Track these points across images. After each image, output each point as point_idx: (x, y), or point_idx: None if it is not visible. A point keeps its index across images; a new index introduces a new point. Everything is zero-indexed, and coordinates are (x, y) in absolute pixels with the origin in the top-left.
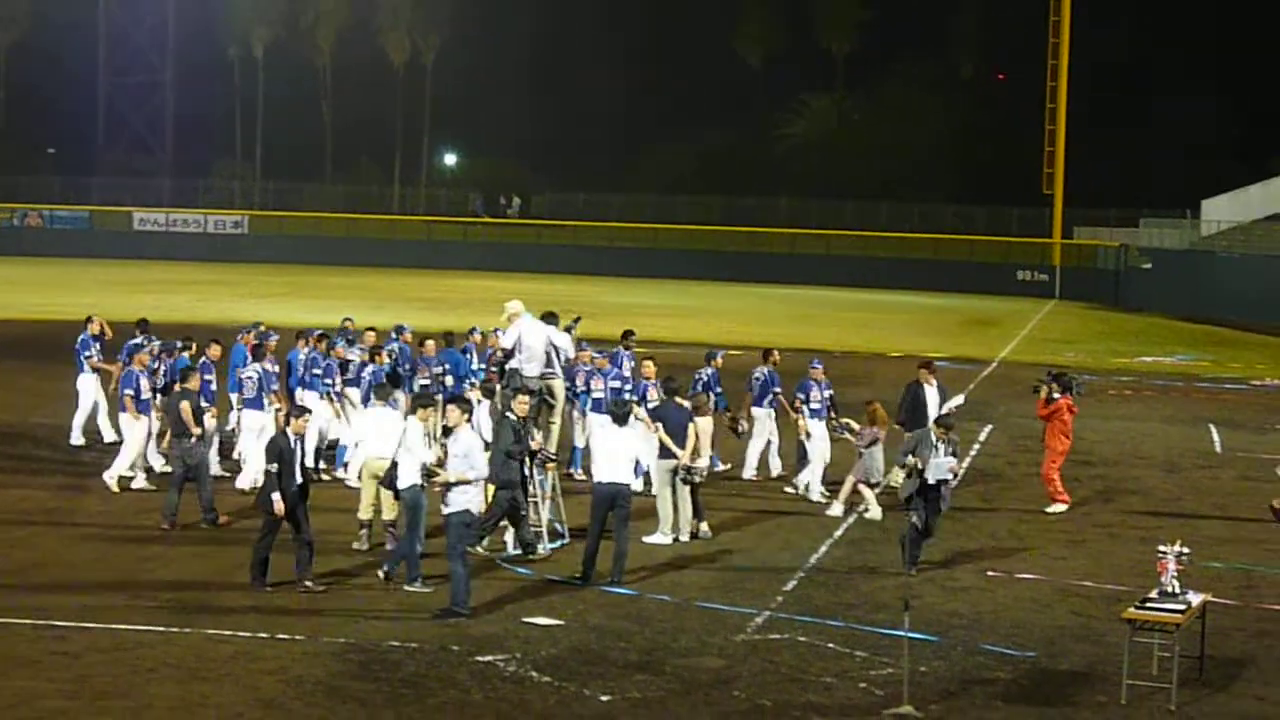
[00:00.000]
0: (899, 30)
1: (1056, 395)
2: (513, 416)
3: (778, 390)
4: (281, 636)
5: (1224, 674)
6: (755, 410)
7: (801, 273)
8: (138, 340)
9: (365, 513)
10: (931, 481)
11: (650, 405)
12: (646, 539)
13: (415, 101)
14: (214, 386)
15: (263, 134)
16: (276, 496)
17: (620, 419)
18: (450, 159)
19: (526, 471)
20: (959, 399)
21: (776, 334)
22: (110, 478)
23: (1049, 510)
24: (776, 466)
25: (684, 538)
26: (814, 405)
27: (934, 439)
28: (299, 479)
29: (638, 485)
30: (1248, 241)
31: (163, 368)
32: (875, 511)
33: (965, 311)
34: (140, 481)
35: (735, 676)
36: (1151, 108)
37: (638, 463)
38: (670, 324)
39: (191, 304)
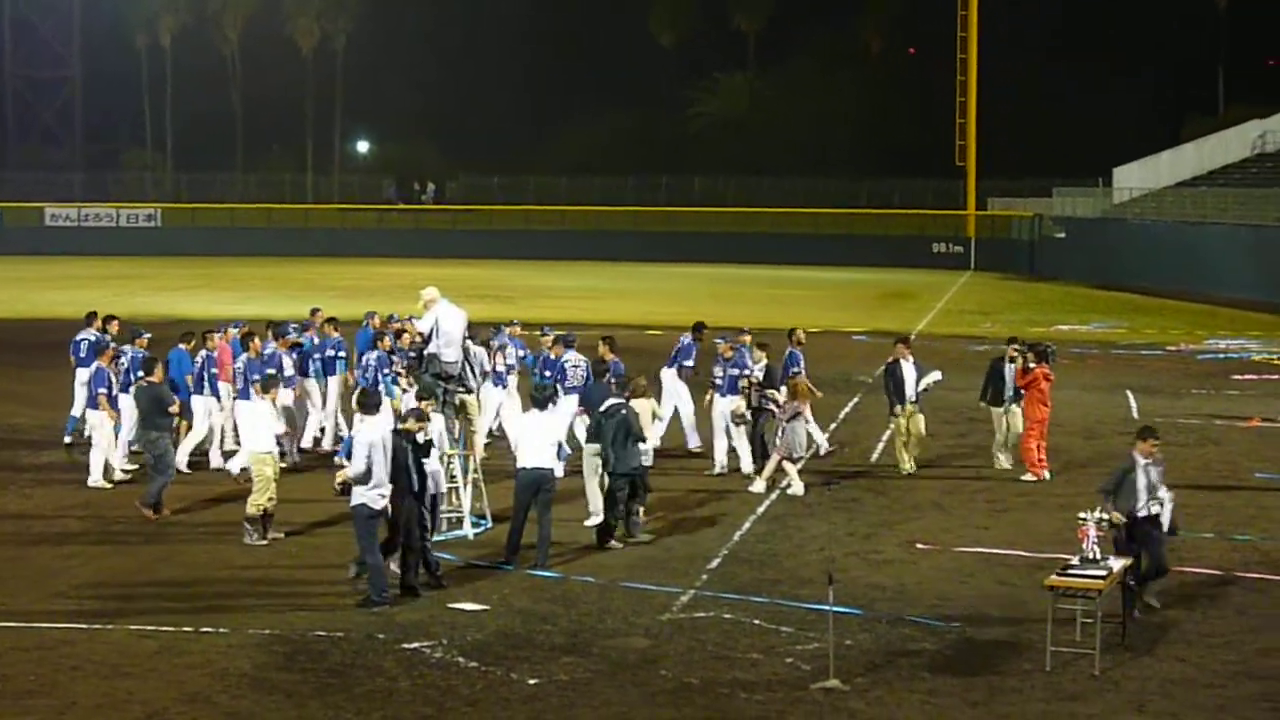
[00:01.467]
0: (810, 7)
1: (1033, 365)
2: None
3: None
4: (206, 630)
5: (1146, 638)
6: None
7: (718, 251)
8: (92, 336)
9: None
10: (1142, 514)
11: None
12: (588, 523)
13: (326, 88)
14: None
15: (173, 124)
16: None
17: (541, 404)
18: (363, 146)
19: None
20: (936, 374)
21: (696, 313)
22: (95, 482)
23: (1024, 478)
24: (695, 442)
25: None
26: (717, 381)
27: (1141, 461)
28: (416, 483)
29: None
30: (1159, 208)
31: (125, 361)
32: (798, 487)
33: (882, 285)
34: (96, 479)
35: (662, 656)
36: (1063, 78)
37: (561, 446)
38: (589, 306)
39: (106, 299)
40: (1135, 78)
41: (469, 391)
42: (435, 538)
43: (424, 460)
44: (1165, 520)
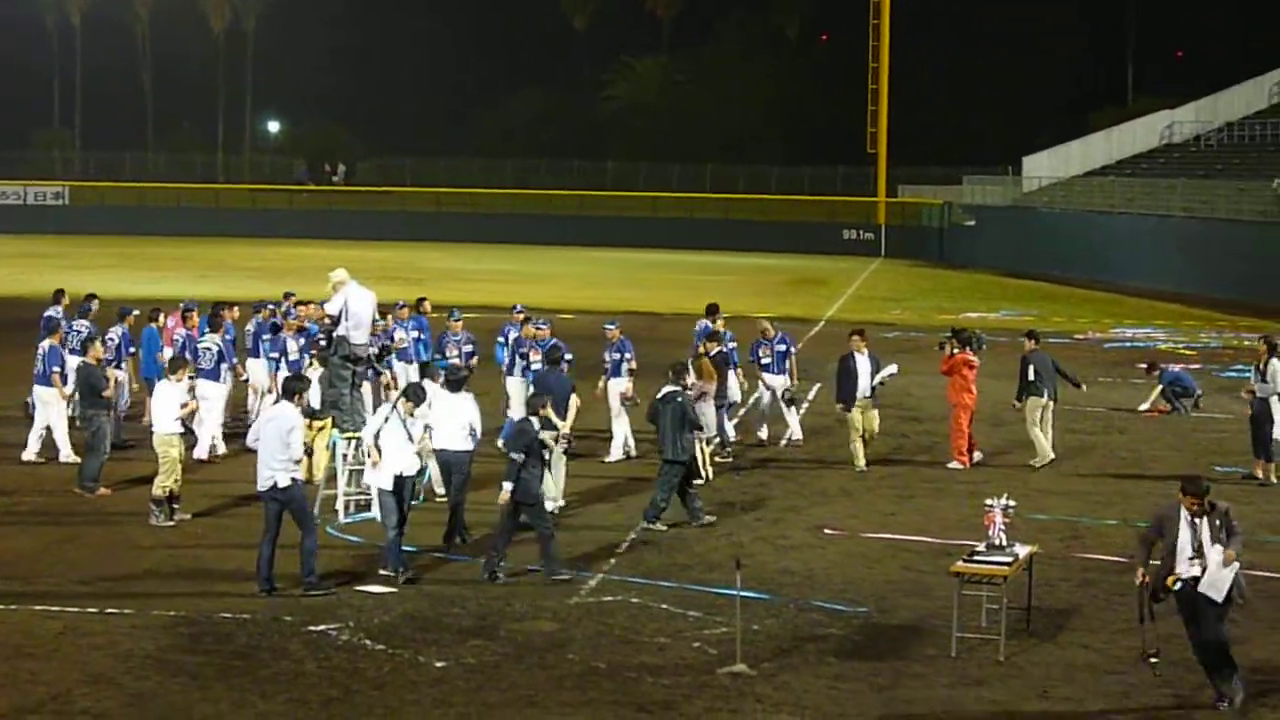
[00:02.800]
0: None
1: (954, 351)
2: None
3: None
4: (110, 611)
5: (1051, 624)
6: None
7: (629, 235)
8: (52, 314)
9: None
10: (1204, 589)
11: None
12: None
13: (237, 68)
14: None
15: (82, 102)
16: (509, 485)
17: (454, 385)
18: (274, 126)
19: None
20: (892, 368)
21: (607, 297)
22: (66, 457)
23: (949, 465)
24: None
25: (561, 504)
26: (606, 365)
27: (1184, 515)
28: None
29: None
30: (1068, 197)
31: (116, 338)
32: (704, 471)
33: (792, 271)
34: (32, 453)
35: (569, 640)
36: (974, 66)
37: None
38: (501, 289)
39: (13, 276)
40: (1046, 68)
41: (379, 375)
42: (342, 519)
43: None
44: (1208, 585)
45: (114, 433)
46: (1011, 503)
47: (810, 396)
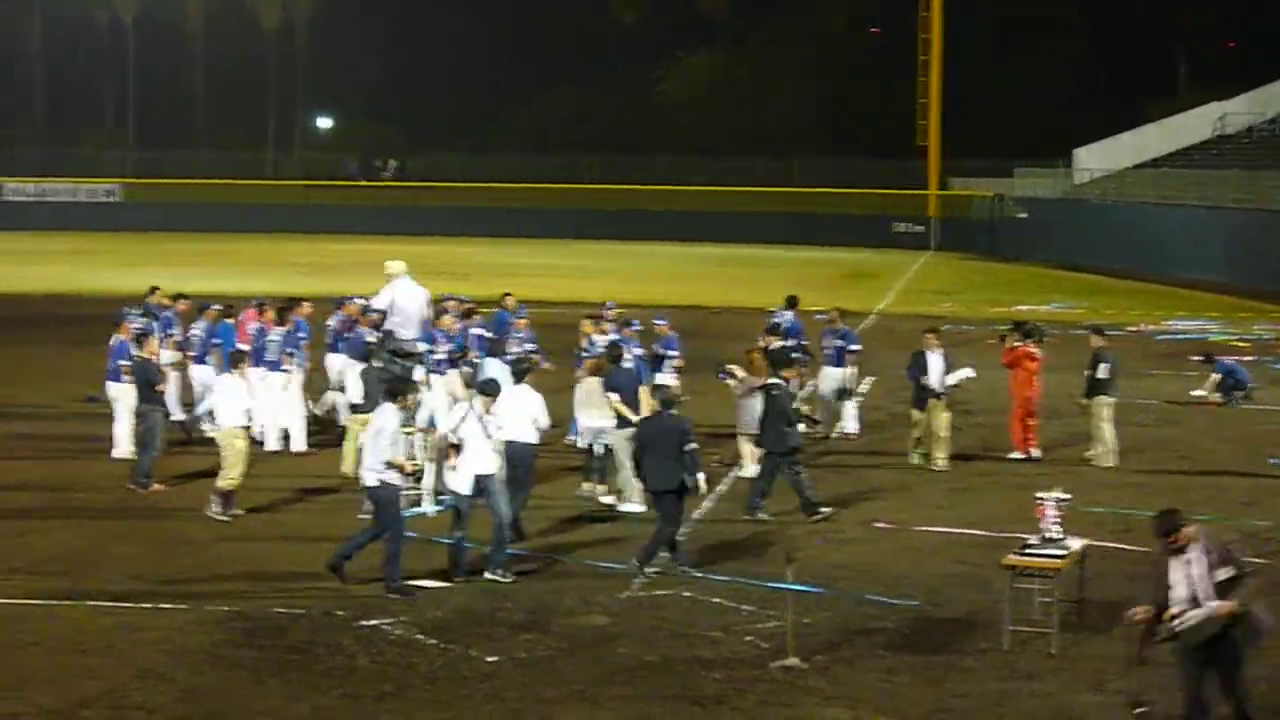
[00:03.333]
0: None
1: (1017, 343)
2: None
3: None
4: (164, 606)
5: (1104, 617)
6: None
7: (680, 230)
8: (129, 311)
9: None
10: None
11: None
12: (622, 507)
13: (288, 65)
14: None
15: (134, 100)
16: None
17: (520, 376)
18: (324, 122)
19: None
20: (967, 371)
21: (656, 291)
22: (121, 452)
23: (1010, 456)
24: None
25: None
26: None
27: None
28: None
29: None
30: (1120, 189)
31: (200, 333)
32: (751, 468)
33: (843, 264)
34: (124, 450)
35: (621, 633)
36: (1025, 59)
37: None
38: (552, 284)
39: (66, 273)
40: (1097, 59)
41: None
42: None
43: None
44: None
45: (192, 426)
46: (1064, 496)
47: (863, 389)
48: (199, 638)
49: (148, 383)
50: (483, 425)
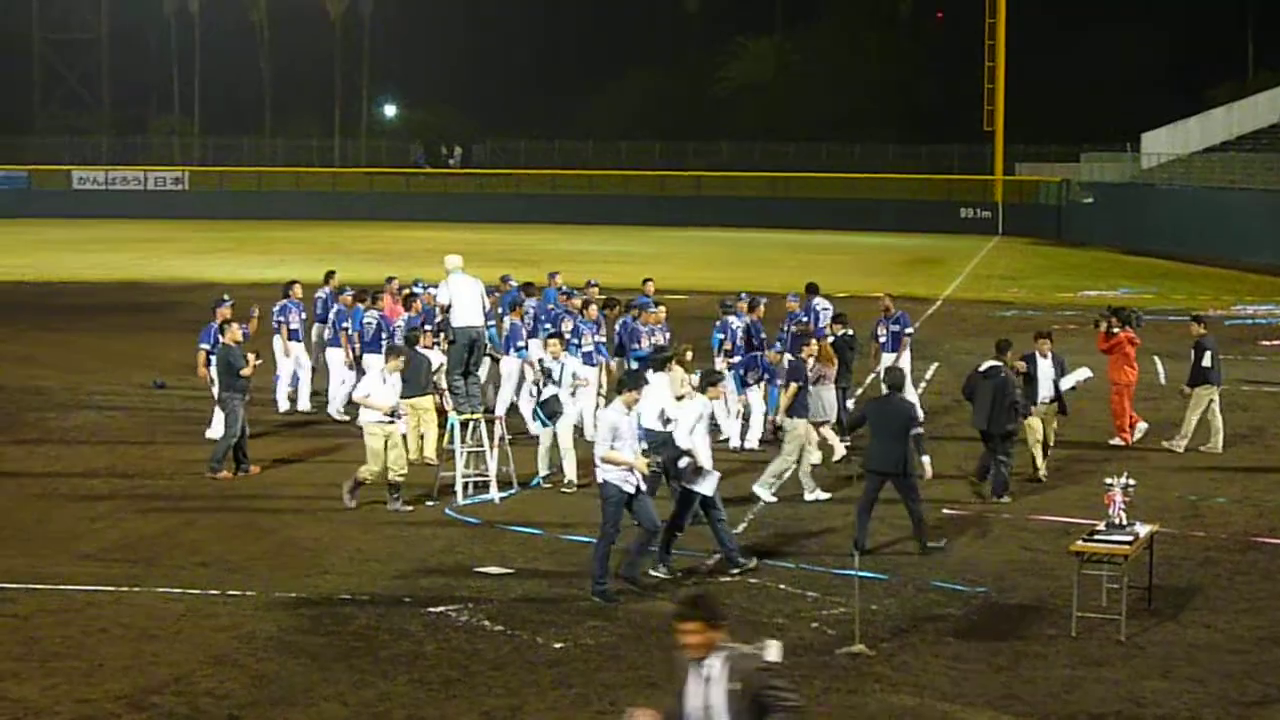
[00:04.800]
0: None
1: (1116, 330)
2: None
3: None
4: (233, 593)
5: (1172, 603)
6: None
7: (745, 216)
8: (323, 294)
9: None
10: None
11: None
12: (808, 496)
13: (353, 54)
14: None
15: (200, 89)
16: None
17: (659, 366)
18: (390, 110)
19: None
20: (1083, 373)
21: (723, 277)
22: (213, 434)
23: (1111, 442)
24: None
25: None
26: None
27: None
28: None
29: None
30: (1187, 174)
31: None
32: (815, 455)
33: (909, 250)
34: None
35: None
36: (1091, 43)
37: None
38: (618, 270)
39: (134, 261)
40: (1163, 42)
41: (495, 360)
42: (461, 501)
43: None
44: None
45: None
46: (1131, 481)
47: (928, 375)
48: (266, 624)
49: (230, 369)
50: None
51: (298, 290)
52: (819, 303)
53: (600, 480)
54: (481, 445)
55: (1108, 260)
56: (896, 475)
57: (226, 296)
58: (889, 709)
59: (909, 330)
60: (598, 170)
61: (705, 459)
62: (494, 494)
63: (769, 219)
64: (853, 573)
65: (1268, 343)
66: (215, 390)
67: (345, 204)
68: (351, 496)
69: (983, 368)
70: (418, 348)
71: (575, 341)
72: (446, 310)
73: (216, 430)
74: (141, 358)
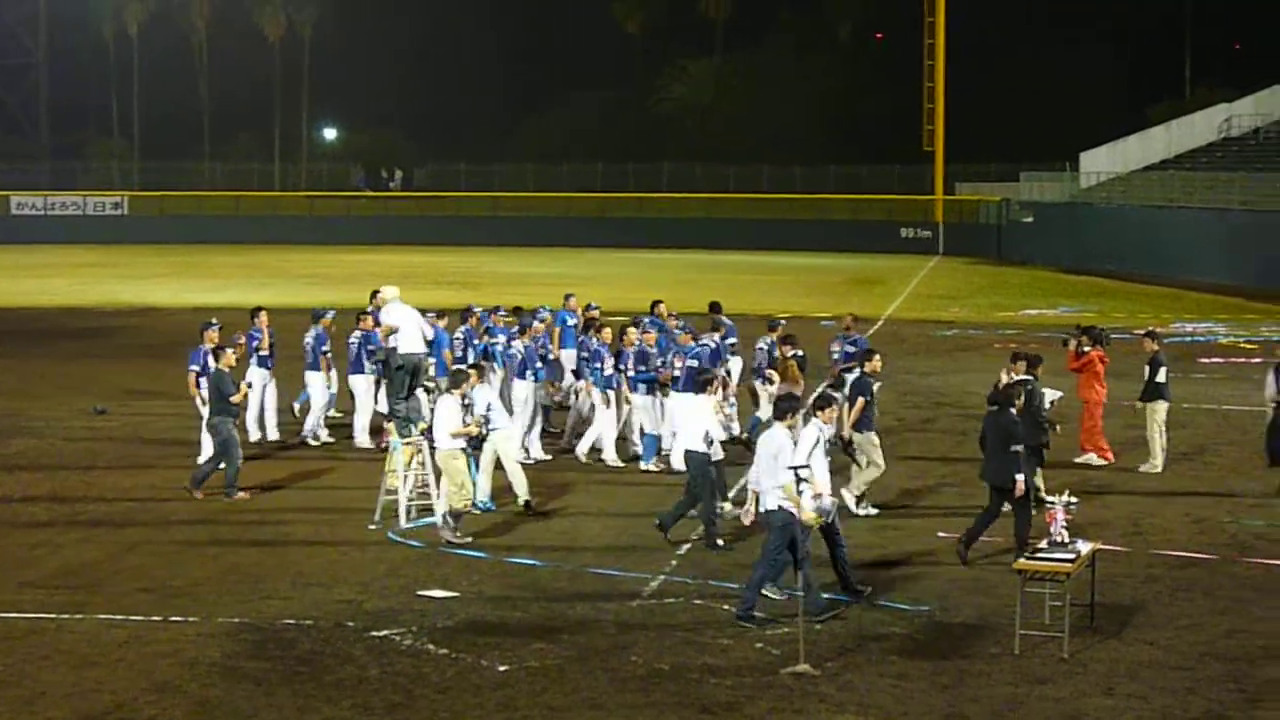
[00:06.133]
0: None
1: (1087, 348)
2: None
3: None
4: (175, 619)
5: (1114, 620)
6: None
7: (686, 237)
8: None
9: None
10: None
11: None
12: (859, 511)
13: (293, 77)
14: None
15: (140, 113)
16: (1020, 477)
17: (700, 387)
18: (330, 133)
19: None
20: (1054, 393)
21: (663, 298)
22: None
23: (1089, 462)
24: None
25: None
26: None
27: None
28: None
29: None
30: (1126, 192)
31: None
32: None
33: (850, 270)
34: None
35: (632, 642)
36: (1031, 63)
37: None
38: (558, 292)
39: (72, 286)
40: (1103, 63)
41: (427, 390)
42: (404, 525)
43: None
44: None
45: (312, 431)
46: (1073, 500)
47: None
48: (210, 650)
49: (221, 394)
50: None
51: (263, 317)
52: (724, 321)
53: (772, 506)
54: (426, 467)
55: (1047, 279)
56: (1004, 490)
57: (214, 320)
58: None
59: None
60: (538, 193)
61: (824, 485)
62: (438, 517)
63: (710, 240)
64: (797, 592)
65: (1207, 360)
66: (205, 412)
67: (286, 228)
68: (454, 532)
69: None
70: None
71: (598, 365)
72: (393, 332)
73: (208, 453)
74: (82, 383)
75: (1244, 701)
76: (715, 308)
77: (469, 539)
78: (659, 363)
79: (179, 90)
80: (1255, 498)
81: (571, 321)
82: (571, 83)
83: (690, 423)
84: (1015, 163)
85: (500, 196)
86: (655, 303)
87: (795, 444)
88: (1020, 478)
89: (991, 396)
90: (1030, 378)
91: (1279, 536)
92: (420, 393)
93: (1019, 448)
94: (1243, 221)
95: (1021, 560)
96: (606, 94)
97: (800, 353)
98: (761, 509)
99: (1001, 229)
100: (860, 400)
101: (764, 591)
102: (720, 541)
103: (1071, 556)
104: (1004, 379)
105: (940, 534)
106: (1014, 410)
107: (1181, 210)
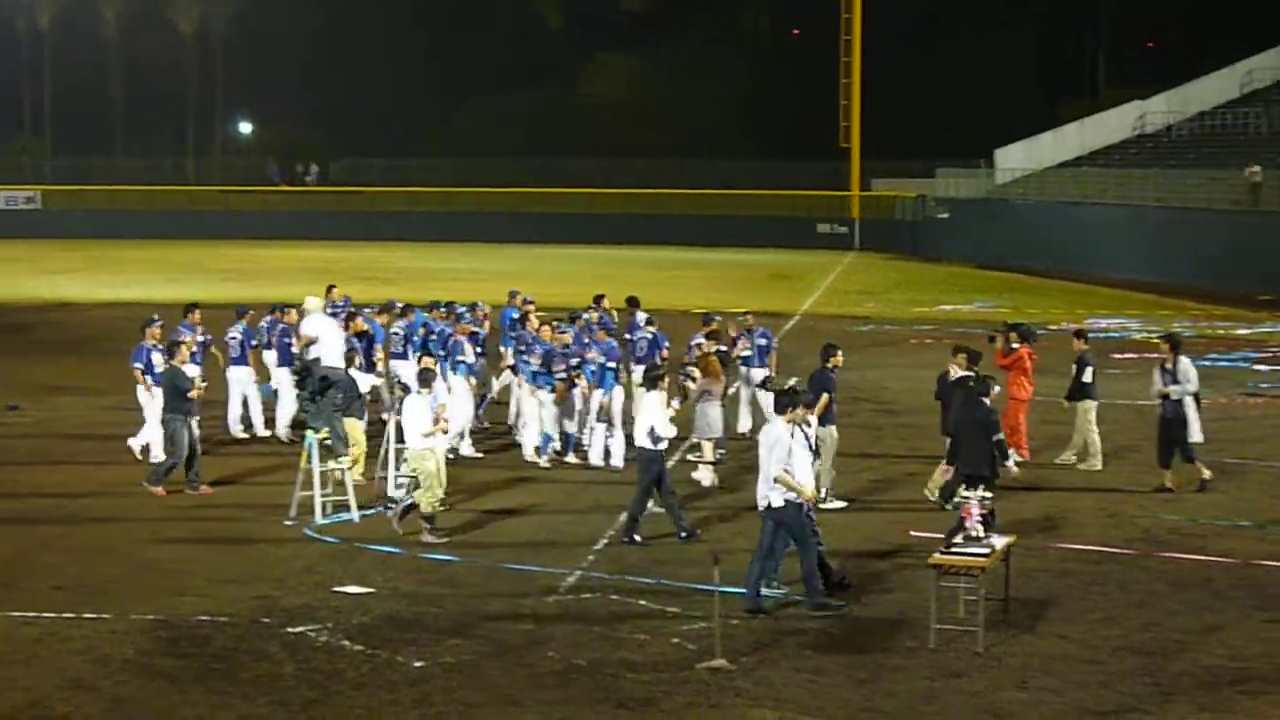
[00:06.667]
0: None
1: (1015, 345)
2: None
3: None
4: (89, 616)
5: (1029, 614)
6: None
7: (603, 232)
8: (152, 318)
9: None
10: None
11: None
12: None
13: (207, 71)
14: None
15: (52, 107)
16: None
17: (651, 383)
18: (245, 128)
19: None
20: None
21: (578, 293)
22: (135, 444)
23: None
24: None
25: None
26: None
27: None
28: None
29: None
30: (1041, 189)
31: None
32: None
33: (767, 266)
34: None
35: (548, 637)
36: (946, 60)
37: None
38: (474, 287)
39: None
40: (1018, 60)
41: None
42: (320, 521)
43: None
44: None
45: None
46: (988, 494)
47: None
48: (124, 647)
49: (176, 390)
50: (807, 437)
51: (196, 315)
52: (640, 317)
53: (779, 503)
54: (341, 466)
55: (962, 275)
56: (983, 479)
57: (156, 316)
58: None
59: (774, 344)
60: (455, 188)
61: (805, 479)
62: (354, 513)
63: (625, 235)
64: (713, 588)
65: (1120, 356)
66: (149, 408)
67: (201, 222)
68: (433, 534)
69: (952, 377)
70: (351, 370)
71: (527, 358)
72: (311, 343)
73: (141, 440)
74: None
75: (1157, 695)
76: (633, 302)
77: (447, 539)
78: (574, 361)
79: (92, 84)
80: (1168, 493)
81: (515, 316)
82: (490, 77)
83: (639, 419)
84: (931, 159)
85: (417, 191)
86: (599, 296)
87: (794, 436)
88: (1011, 463)
89: (939, 392)
90: (971, 372)
91: (1192, 531)
92: (341, 416)
93: (1001, 436)
94: (1156, 218)
95: (936, 555)
96: (525, 88)
97: (723, 348)
98: (771, 505)
99: (918, 225)
100: (824, 395)
101: (764, 590)
102: (638, 537)
103: (986, 551)
104: (952, 372)
105: (860, 528)
106: (987, 400)
107: (1096, 206)
